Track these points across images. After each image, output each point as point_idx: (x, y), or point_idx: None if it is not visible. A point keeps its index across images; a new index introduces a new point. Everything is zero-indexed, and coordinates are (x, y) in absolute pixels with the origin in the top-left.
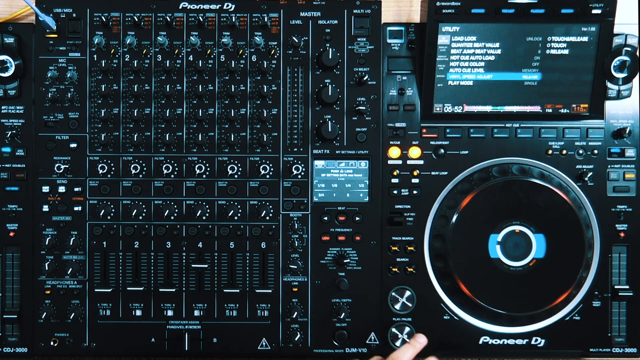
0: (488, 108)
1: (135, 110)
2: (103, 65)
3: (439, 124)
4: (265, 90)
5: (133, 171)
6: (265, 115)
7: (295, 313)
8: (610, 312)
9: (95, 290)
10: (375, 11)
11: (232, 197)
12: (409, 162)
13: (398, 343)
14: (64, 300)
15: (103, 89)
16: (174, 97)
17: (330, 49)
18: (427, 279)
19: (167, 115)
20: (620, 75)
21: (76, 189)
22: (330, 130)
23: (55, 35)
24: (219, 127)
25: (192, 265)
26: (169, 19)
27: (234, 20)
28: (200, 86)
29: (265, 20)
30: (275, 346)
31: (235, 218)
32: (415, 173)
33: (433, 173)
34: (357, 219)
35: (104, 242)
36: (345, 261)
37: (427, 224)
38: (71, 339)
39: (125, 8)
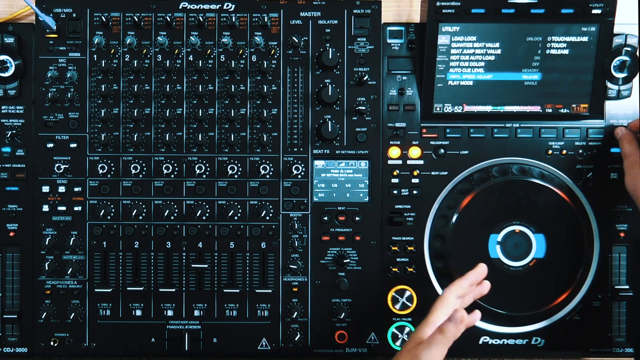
0: (488, 108)
1: (135, 110)
2: (103, 65)
3: (439, 124)
4: (265, 90)
5: (133, 171)
6: (265, 115)
7: (295, 313)
8: (610, 312)
9: (95, 290)
10: (375, 11)
11: (232, 197)
12: (409, 162)
13: (398, 343)
14: (64, 300)
15: (103, 89)
16: (174, 97)
17: (330, 49)
18: (427, 279)
19: (167, 115)
20: (620, 75)
21: (76, 189)
22: (330, 130)
23: (55, 35)
24: (219, 127)
25: (192, 265)
26: (169, 19)
27: (234, 20)
28: (200, 86)
29: (265, 20)
30: (275, 346)
31: (235, 218)
32: (415, 173)
33: (433, 173)
34: (357, 219)
35: (104, 242)
36: (345, 261)
37: (427, 224)
38: (71, 339)
39: (125, 8)
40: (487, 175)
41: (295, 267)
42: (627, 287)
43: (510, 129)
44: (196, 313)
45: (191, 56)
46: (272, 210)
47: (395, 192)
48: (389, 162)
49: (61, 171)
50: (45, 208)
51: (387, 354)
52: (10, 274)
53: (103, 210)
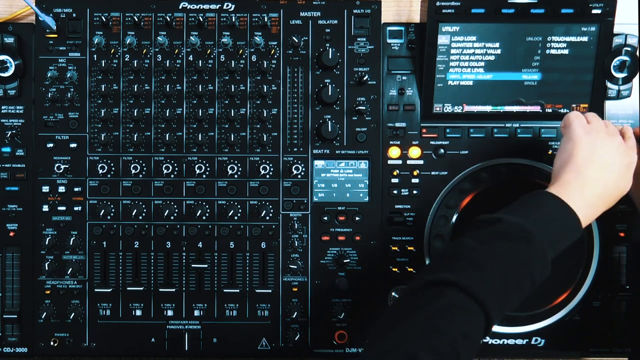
0: (488, 108)
1: (135, 110)
2: (103, 65)
3: (439, 124)
4: (265, 90)
5: (133, 171)
6: (265, 115)
7: (295, 313)
8: (610, 312)
9: (95, 290)
10: (375, 11)
11: (232, 197)
12: (409, 162)
13: None
14: (64, 300)
15: (103, 89)
16: (174, 97)
17: (330, 49)
18: None
19: (167, 115)
20: (620, 75)
21: (76, 189)
22: (330, 130)
23: (55, 35)
24: (219, 127)
25: (192, 265)
26: (169, 19)
27: (234, 20)
28: (200, 86)
29: (265, 20)
30: (275, 346)
31: (235, 218)
32: (415, 173)
33: (433, 173)
34: (357, 219)
35: (104, 242)
36: (345, 261)
37: (427, 224)
38: (71, 339)
39: (125, 8)
40: (487, 175)
41: (295, 267)
42: (627, 287)
43: (510, 129)
44: (196, 313)
45: (191, 56)
46: (272, 210)
47: (395, 192)
48: (389, 162)
49: (61, 171)
50: (45, 208)
51: None
52: (10, 274)
53: (103, 210)
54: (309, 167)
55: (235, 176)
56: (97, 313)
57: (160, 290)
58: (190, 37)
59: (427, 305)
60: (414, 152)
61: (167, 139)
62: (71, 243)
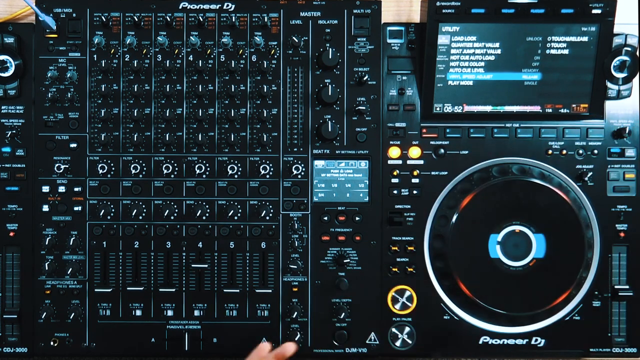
0: (488, 108)
1: (135, 110)
2: (103, 65)
3: (439, 124)
4: (265, 90)
5: (133, 171)
6: (265, 115)
7: (295, 313)
8: (610, 312)
9: (95, 290)
10: (375, 11)
11: (232, 197)
12: (409, 162)
13: (398, 343)
14: (64, 300)
15: (103, 89)
16: (174, 97)
17: (330, 49)
18: (427, 279)
19: (167, 115)
20: (620, 75)
21: (76, 189)
22: (330, 130)
23: (55, 35)
24: (219, 127)
25: (192, 265)
26: (169, 19)
27: (234, 20)
28: (200, 86)
29: (265, 20)
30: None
31: (235, 218)
32: (415, 173)
33: (433, 173)
34: (357, 219)
35: (104, 242)
36: (345, 261)
37: (427, 224)
38: (71, 339)
39: (125, 8)
40: (487, 175)
41: (295, 267)
42: (627, 287)
43: (510, 129)
44: (196, 313)
45: (191, 56)
46: (272, 210)
47: (395, 192)
48: (389, 162)
49: (61, 171)
50: (45, 208)
51: (387, 354)
52: (10, 274)
53: (103, 210)
54: (309, 167)
55: (235, 176)
56: (97, 313)
57: (160, 290)
58: (190, 37)
59: None
60: (414, 152)
61: (167, 139)
62: (71, 243)
